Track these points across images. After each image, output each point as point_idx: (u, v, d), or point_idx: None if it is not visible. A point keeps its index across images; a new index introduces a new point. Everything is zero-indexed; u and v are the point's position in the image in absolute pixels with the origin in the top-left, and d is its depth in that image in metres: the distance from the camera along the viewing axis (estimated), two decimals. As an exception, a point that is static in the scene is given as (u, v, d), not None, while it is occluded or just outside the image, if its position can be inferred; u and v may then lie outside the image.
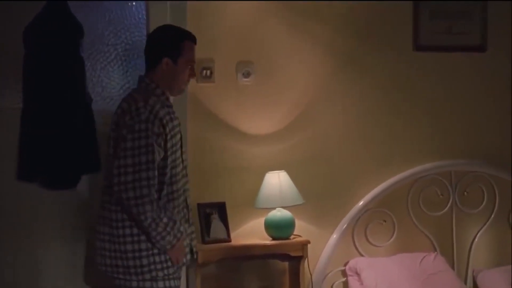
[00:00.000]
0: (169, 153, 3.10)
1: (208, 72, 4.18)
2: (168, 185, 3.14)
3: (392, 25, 4.47)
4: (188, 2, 4.05)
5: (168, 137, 3.09)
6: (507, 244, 4.63)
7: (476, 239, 4.57)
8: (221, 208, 4.12)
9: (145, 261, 3.09)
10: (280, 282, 4.29)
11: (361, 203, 4.34)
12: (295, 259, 4.13)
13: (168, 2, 3.97)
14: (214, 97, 4.22)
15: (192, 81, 4.07)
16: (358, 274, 4.24)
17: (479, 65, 4.61)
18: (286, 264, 4.27)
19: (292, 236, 4.13)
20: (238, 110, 4.26)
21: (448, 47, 4.53)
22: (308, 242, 4.10)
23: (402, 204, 4.43)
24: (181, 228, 3.15)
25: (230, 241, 4.08)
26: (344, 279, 4.36)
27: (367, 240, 4.41)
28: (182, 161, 3.27)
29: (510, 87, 4.65)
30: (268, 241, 4.10)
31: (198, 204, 4.07)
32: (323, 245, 4.31)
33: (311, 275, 4.21)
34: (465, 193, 4.55)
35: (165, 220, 3.05)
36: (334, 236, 4.31)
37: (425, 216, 4.47)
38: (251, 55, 4.27)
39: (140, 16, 4.01)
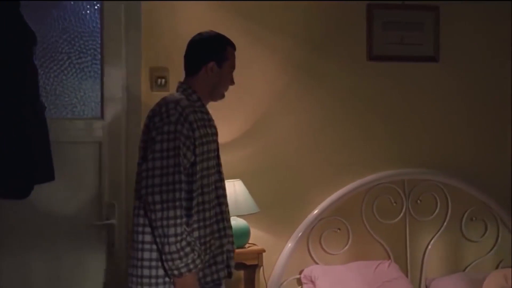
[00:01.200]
0: (198, 159, 2.97)
1: (163, 81, 4.15)
2: (199, 194, 2.98)
3: (347, 35, 4.52)
4: (142, 3, 4.05)
5: (198, 142, 2.97)
6: (460, 251, 4.70)
7: (429, 247, 4.63)
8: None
9: (160, 272, 2.92)
10: (235, 291, 4.30)
11: (316, 211, 4.36)
12: (250, 267, 4.13)
13: (123, 4, 3.99)
14: (169, 105, 4.19)
15: (146, 90, 4.11)
16: (313, 282, 4.25)
17: (431, 75, 4.68)
18: (241, 272, 4.26)
19: (247, 245, 4.13)
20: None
21: (401, 57, 4.60)
22: (263, 250, 4.11)
23: (356, 212, 4.47)
24: (198, 261, 2.89)
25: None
26: (299, 287, 4.38)
27: (322, 248, 4.43)
28: (219, 172, 3.19)
29: (462, 97, 4.73)
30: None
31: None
32: (278, 254, 4.33)
33: (266, 283, 4.22)
34: (418, 201, 4.60)
35: (184, 242, 2.84)
36: (289, 244, 4.32)
37: (379, 224, 4.51)
38: (207, 64, 4.26)
39: (94, 25, 3.99)
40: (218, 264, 3.10)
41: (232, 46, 3.19)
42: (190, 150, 2.94)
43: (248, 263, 4.09)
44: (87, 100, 4.02)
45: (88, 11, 4.00)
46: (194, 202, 2.95)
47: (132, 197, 3.13)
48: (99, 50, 4.00)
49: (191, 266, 2.86)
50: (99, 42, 3.98)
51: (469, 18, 4.74)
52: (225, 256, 3.13)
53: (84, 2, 3.99)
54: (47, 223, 3.83)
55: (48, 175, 3.73)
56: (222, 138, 4.23)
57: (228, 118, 4.28)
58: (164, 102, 3.01)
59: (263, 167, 4.34)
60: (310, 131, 4.45)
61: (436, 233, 4.64)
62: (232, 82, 3.23)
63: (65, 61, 3.97)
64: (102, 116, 4.02)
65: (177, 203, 2.85)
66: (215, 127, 3.20)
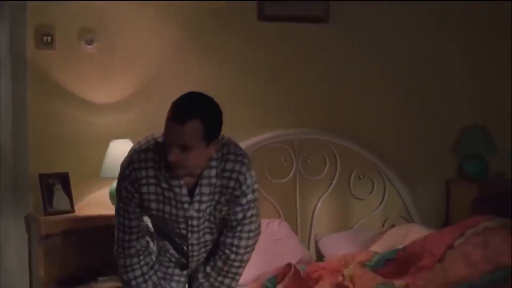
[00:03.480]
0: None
1: (49, 38, 4.04)
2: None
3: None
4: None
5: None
6: (348, 209, 4.81)
7: (318, 205, 4.72)
8: (64, 179, 4.03)
9: None
10: (126, 252, 4.25)
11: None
12: (141, 228, 4.11)
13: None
14: (55, 65, 4.09)
15: (32, 48, 3.99)
16: (204, 242, 4.26)
17: (322, 35, 4.72)
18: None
19: (138, 206, 4.10)
20: (81, 79, 4.16)
21: (291, 17, 4.60)
22: (154, 211, 4.09)
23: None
24: None
25: (73, 212, 4.00)
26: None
27: (214, 208, 4.45)
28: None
29: (351, 58, 4.81)
30: (113, 211, 4.03)
31: (40, 175, 3.97)
32: (169, 214, 4.31)
33: (157, 244, 4.21)
34: (308, 160, 4.67)
35: (130, 275, 3.07)
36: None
37: (270, 183, 4.55)
38: (95, 22, 4.16)
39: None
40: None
41: (171, 115, 2.82)
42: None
43: (139, 223, 4.06)
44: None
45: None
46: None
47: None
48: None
49: None
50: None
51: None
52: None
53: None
54: None
55: None
56: (110, 98, 4.22)
57: (117, 78, 4.22)
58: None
59: (152, 128, 4.21)
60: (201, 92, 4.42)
61: (325, 192, 4.73)
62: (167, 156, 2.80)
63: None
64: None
65: (119, 239, 3.09)
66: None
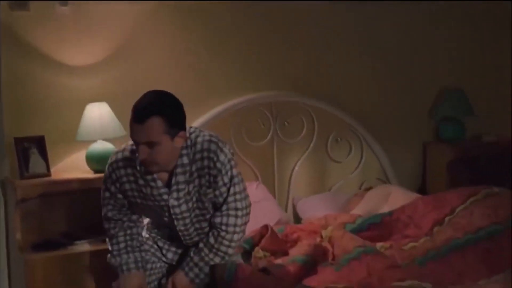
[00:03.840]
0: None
1: (23, -1, 3.98)
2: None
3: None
4: None
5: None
6: (325, 172, 4.82)
7: (296, 168, 4.72)
8: (39, 142, 3.99)
9: None
10: (103, 216, 4.25)
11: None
12: (118, 191, 4.09)
13: None
14: (30, 27, 4.03)
15: (6, 9, 3.92)
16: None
17: (298, -1, 4.69)
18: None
19: (114, 169, 4.09)
20: (56, 41, 4.10)
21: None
22: (131, 174, 4.07)
23: (225, 134, 4.44)
24: (124, 266, 3.21)
25: (50, 175, 3.98)
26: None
27: (191, 171, 4.44)
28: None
29: (328, 20, 4.77)
30: (90, 174, 4.03)
31: (15, 139, 3.93)
32: (146, 177, 4.30)
33: (134, 207, 4.21)
34: (286, 123, 4.66)
35: (117, 245, 3.24)
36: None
37: (248, 146, 4.54)
38: (69, -18, 4.10)
39: None
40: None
41: (132, 116, 2.96)
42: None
43: (116, 187, 4.05)
44: None
45: None
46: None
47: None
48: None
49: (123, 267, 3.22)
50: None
51: None
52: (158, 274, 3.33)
53: None
54: None
55: None
56: (85, 60, 4.17)
57: (92, 40, 4.17)
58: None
59: (129, 90, 4.21)
60: (177, 55, 4.40)
61: (303, 155, 4.73)
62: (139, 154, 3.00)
63: None
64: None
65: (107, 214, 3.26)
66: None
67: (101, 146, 4.01)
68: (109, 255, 3.27)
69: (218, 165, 3.06)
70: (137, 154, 2.99)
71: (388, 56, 4.99)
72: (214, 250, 3.18)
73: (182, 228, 3.21)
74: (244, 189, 3.20)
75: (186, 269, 3.21)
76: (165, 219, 3.20)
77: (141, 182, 3.11)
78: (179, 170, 3.08)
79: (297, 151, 4.72)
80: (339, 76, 4.86)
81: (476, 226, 3.65)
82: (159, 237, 3.37)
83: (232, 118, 4.50)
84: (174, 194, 3.11)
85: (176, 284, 3.20)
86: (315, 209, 4.51)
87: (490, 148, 5.13)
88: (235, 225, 3.16)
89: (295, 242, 3.88)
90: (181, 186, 3.09)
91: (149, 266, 3.29)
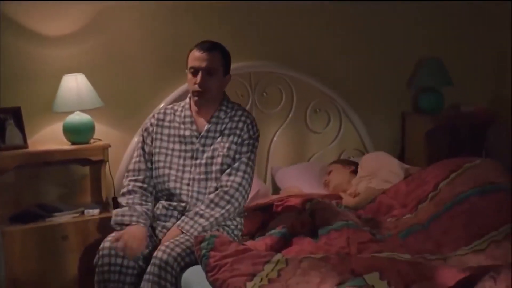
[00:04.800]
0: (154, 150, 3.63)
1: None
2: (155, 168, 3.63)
3: None
4: None
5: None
6: (304, 142, 4.83)
7: (275, 138, 4.72)
8: (16, 114, 3.96)
9: None
10: (81, 187, 4.23)
11: (161, 105, 4.30)
12: (96, 163, 4.08)
13: None
14: (4, -4, 3.97)
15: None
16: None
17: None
18: (87, 168, 4.21)
19: (92, 140, 4.07)
20: (31, 10, 4.03)
21: None
22: (109, 145, 4.06)
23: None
24: (126, 218, 3.42)
25: (27, 147, 3.94)
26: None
27: (169, 142, 4.42)
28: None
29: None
30: (67, 146, 4.01)
31: (-9, 110, 3.89)
32: (124, 149, 4.29)
33: (112, 179, 4.19)
34: (264, 94, 4.65)
35: (124, 201, 3.52)
36: (135, 139, 4.26)
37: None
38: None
39: None
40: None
41: (196, 48, 3.51)
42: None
43: (93, 158, 4.04)
44: None
45: None
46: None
47: None
48: None
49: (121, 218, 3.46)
50: None
51: None
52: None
53: None
54: None
55: None
56: (61, 31, 4.11)
57: (67, 9, 4.10)
58: None
59: (106, 61, 4.23)
60: (154, 26, 4.35)
61: (281, 125, 4.73)
62: (193, 84, 3.50)
63: None
64: None
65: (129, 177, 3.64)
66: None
67: (78, 117, 3.99)
68: (117, 215, 3.46)
69: (251, 132, 3.57)
70: (198, 80, 3.45)
71: (366, 26, 4.98)
72: (212, 205, 3.42)
73: (197, 176, 3.51)
74: (254, 164, 3.60)
75: (179, 222, 3.40)
76: (181, 173, 3.53)
77: (178, 125, 3.59)
78: (213, 120, 3.56)
79: (276, 122, 4.72)
80: (318, 47, 4.84)
81: (455, 194, 3.68)
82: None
83: (210, 89, 4.47)
84: (202, 140, 3.55)
85: (168, 234, 3.35)
86: (293, 179, 4.52)
87: (468, 118, 5.16)
88: (239, 184, 3.47)
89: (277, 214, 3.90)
90: (210, 134, 3.55)
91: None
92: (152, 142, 3.61)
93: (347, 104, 4.90)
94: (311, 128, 4.82)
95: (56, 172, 4.17)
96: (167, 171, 3.56)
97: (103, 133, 4.18)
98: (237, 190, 3.46)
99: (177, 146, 3.57)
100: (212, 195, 3.45)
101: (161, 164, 3.57)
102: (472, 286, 2.70)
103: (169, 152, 3.57)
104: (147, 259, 3.31)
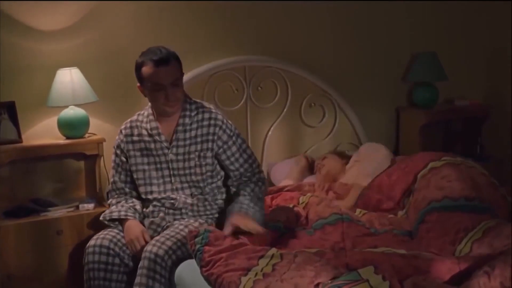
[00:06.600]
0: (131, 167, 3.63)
1: (-11, -39, 3.91)
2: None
3: None
4: None
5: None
6: (299, 136, 4.83)
7: (270, 133, 4.72)
8: (10, 108, 3.95)
9: None
10: (76, 182, 4.23)
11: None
12: (91, 157, 4.09)
13: None
14: (-2, -10, 3.95)
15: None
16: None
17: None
18: (81, 163, 4.21)
19: (86, 135, 4.07)
20: (26, 4, 4.01)
21: None
22: (103, 140, 4.06)
23: (198, 99, 4.46)
24: (126, 214, 3.48)
25: (21, 141, 3.94)
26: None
27: (164, 136, 4.41)
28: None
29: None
30: (62, 140, 4.01)
31: (-15, 104, 3.88)
32: (119, 143, 4.28)
33: (107, 173, 4.18)
34: (259, 88, 4.65)
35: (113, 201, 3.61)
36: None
37: (221, 111, 4.49)
38: None
39: None
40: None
41: (153, 63, 3.38)
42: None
43: (88, 153, 4.04)
44: None
45: None
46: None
47: None
48: None
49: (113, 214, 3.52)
50: None
51: None
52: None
53: None
54: None
55: None
56: (55, 25, 4.10)
57: (63, 4, 4.09)
58: None
59: (100, 55, 4.22)
60: (148, 19, 4.34)
61: (276, 120, 4.73)
62: (162, 100, 3.43)
63: None
64: None
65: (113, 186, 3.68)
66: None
67: (72, 112, 3.98)
68: (105, 213, 3.53)
69: (228, 131, 3.55)
70: (169, 97, 3.40)
71: (361, 20, 4.98)
72: (252, 194, 3.53)
73: (179, 186, 3.52)
74: (251, 151, 3.68)
75: (243, 211, 3.41)
76: (161, 180, 3.53)
77: (146, 138, 3.52)
78: (180, 128, 3.50)
79: (271, 116, 4.72)
80: (313, 41, 4.84)
81: (428, 200, 3.55)
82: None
83: (205, 83, 4.47)
84: (174, 150, 3.50)
85: (239, 224, 3.34)
86: (286, 172, 4.53)
87: (463, 112, 5.17)
88: (258, 165, 3.67)
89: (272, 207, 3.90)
90: (181, 143, 3.50)
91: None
92: (127, 159, 3.59)
93: (342, 98, 4.90)
94: (306, 123, 4.83)
95: (51, 167, 4.17)
96: (148, 188, 3.55)
97: (97, 128, 4.18)
98: (260, 171, 3.67)
99: (151, 159, 3.54)
100: (252, 186, 3.57)
101: (141, 182, 3.56)
102: (467, 279, 2.70)
103: (145, 167, 3.55)
104: (134, 257, 3.33)
